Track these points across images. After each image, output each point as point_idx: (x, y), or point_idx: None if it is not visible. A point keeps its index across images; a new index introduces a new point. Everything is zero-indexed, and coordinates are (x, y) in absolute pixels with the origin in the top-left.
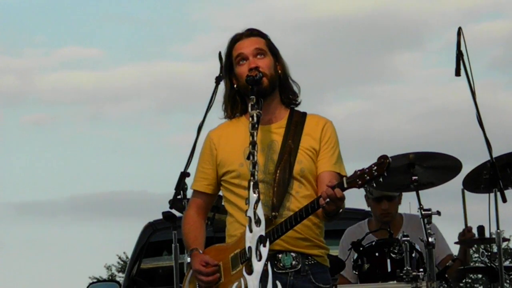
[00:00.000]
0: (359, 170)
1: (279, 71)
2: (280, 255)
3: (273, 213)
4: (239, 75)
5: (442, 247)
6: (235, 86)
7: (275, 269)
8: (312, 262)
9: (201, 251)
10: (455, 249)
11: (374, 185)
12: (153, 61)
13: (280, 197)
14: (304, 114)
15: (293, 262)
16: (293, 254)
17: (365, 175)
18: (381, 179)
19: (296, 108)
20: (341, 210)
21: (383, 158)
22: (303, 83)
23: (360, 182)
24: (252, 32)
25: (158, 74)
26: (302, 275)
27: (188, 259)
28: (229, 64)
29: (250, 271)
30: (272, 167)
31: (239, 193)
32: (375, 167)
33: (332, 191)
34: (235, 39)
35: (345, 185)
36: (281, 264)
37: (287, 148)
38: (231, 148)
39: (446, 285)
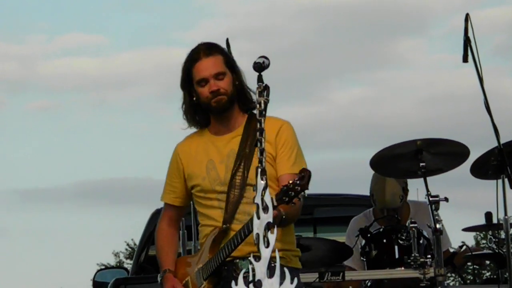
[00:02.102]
0: (285, 186)
1: (237, 82)
2: (238, 261)
3: (224, 226)
4: (200, 94)
5: (443, 240)
6: (194, 99)
7: (234, 275)
8: (273, 265)
9: (172, 269)
10: (464, 236)
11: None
12: (157, 47)
13: (234, 206)
14: (260, 118)
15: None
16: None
17: (290, 192)
18: (304, 193)
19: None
20: (285, 219)
21: (303, 172)
22: (307, 69)
23: (287, 199)
24: (210, 51)
25: (162, 60)
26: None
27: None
28: (188, 79)
29: (257, 258)
30: (229, 177)
31: (206, 204)
32: (298, 182)
33: None
34: (195, 58)
35: (275, 203)
36: (240, 270)
37: (244, 156)
38: (195, 163)
39: (453, 271)
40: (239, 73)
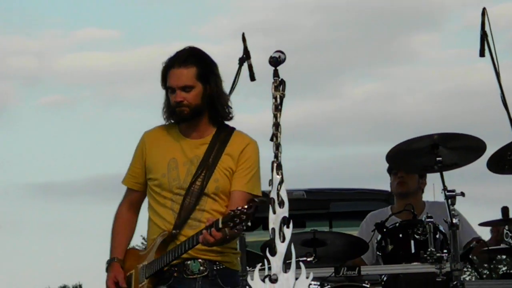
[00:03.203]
0: (232, 211)
1: (209, 92)
2: (188, 262)
3: (174, 231)
4: (169, 98)
5: (468, 231)
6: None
7: (184, 275)
8: (220, 267)
9: (120, 259)
10: (481, 231)
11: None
12: (171, 42)
13: (187, 213)
14: (231, 132)
15: (201, 268)
16: (201, 261)
17: (235, 218)
18: (249, 223)
19: (230, 123)
20: (227, 239)
21: (251, 202)
22: (321, 64)
23: (231, 224)
24: (185, 62)
25: None
26: (210, 279)
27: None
28: (164, 81)
29: (273, 253)
30: (188, 182)
31: (160, 200)
32: (244, 211)
33: (208, 235)
34: (169, 65)
35: (220, 226)
36: (190, 271)
37: (206, 165)
38: (157, 157)
39: (470, 266)
40: (215, 85)
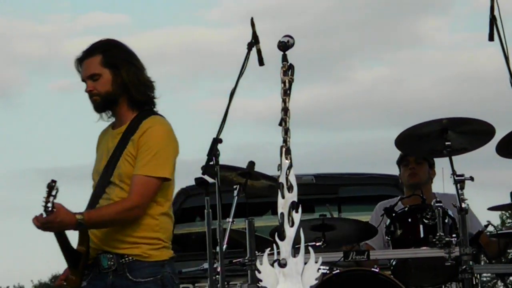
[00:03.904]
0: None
1: (121, 79)
2: (100, 257)
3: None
4: None
5: (475, 225)
6: None
7: (99, 270)
8: (129, 260)
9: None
10: (489, 215)
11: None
12: (179, 26)
13: (95, 200)
14: (144, 118)
15: (109, 263)
16: (109, 255)
17: (43, 202)
18: (51, 208)
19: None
20: (82, 224)
21: (52, 181)
22: (328, 50)
23: (50, 209)
24: (90, 53)
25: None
26: (120, 274)
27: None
28: None
29: (282, 237)
30: (101, 170)
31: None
32: (46, 193)
33: (34, 219)
34: (80, 59)
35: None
36: (101, 265)
37: (115, 154)
38: (97, 152)
39: (479, 251)
40: (127, 71)
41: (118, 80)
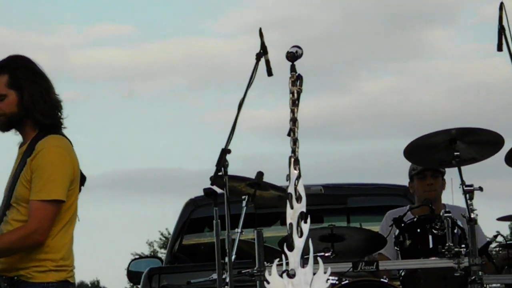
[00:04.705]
0: None
1: (27, 101)
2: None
3: None
4: None
5: (481, 238)
6: None
7: None
8: (17, 280)
9: None
10: (499, 226)
11: None
12: (186, 37)
13: None
14: (39, 139)
15: (4, 284)
16: (4, 277)
17: None
18: None
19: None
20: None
21: None
22: (336, 59)
23: None
24: None
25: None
26: None
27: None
28: None
29: (291, 248)
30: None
31: None
32: None
33: None
34: None
35: None
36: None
37: (15, 175)
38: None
39: (488, 261)
40: (29, 93)
41: (23, 101)
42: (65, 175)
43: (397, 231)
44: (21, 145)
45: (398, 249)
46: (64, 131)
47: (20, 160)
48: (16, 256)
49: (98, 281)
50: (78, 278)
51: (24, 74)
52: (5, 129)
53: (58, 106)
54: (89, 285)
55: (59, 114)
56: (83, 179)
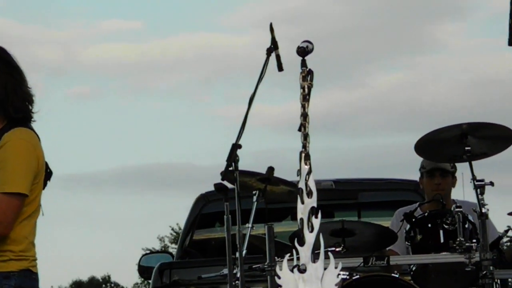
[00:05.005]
0: None
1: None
2: None
3: None
4: None
5: (493, 233)
6: None
7: None
8: None
9: None
10: (510, 221)
11: None
12: (196, 33)
13: None
14: (6, 131)
15: None
16: None
17: None
18: None
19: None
20: None
21: None
22: (345, 54)
23: None
24: None
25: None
26: None
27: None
28: None
29: (302, 243)
30: None
31: None
32: None
33: None
34: None
35: None
36: None
37: None
38: None
39: (499, 256)
40: (4, 85)
41: None
42: (30, 169)
43: (408, 226)
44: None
45: (409, 244)
46: (76, 126)
47: None
48: None
49: (109, 276)
50: (89, 273)
51: None
52: None
53: (30, 99)
54: (100, 280)
55: (30, 107)
56: (49, 174)
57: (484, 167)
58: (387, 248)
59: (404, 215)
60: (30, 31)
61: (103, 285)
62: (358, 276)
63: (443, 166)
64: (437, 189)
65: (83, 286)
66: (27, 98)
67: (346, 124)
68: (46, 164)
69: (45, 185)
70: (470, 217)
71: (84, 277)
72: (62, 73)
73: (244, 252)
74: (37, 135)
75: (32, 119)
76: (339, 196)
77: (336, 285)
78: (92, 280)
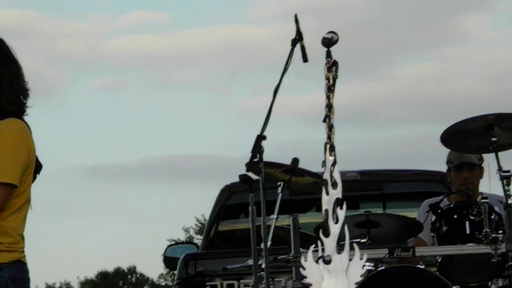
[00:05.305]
0: None
1: None
2: None
3: None
4: None
5: None
6: None
7: None
8: None
9: None
10: None
11: None
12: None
13: None
14: None
15: None
16: None
17: None
18: None
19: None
20: None
21: None
22: (371, 46)
23: None
24: None
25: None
26: None
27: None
28: None
29: (327, 234)
30: None
31: None
32: None
33: None
34: None
35: None
36: None
37: None
38: None
39: None
40: (2, 78)
41: None
42: (20, 160)
43: (434, 217)
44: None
45: (434, 235)
46: (100, 117)
47: None
48: None
49: (134, 267)
50: (114, 264)
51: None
52: None
53: (25, 94)
54: (126, 270)
55: (25, 102)
56: (39, 167)
57: (510, 158)
58: (414, 238)
59: (429, 206)
60: (54, 24)
61: (129, 276)
62: (383, 267)
63: (470, 159)
64: (466, 182)
65: (109, 277)
66: (22, 92)
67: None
68: (36, 157)
69: (34, 178)
70: (496, 208)
71: (110, 268)
72: (87, 65)
73: (269, 243)
74: (29, 127)
75: (25, 113)
76: (364, 187)
77: (361, 276)
78: (118, 270)
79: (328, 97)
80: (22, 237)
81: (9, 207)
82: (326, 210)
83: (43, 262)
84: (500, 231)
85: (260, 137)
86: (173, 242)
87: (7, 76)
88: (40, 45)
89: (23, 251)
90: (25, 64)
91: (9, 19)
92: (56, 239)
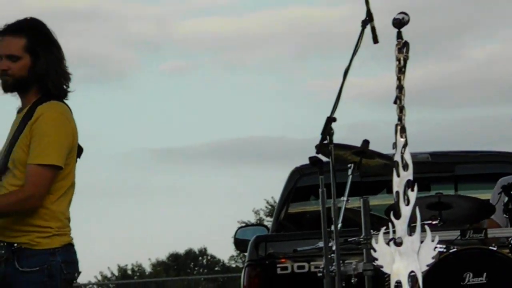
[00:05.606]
0: None
1: (37, 67)
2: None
3: None
4: None
5: None
6: None
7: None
8: (18, 248)
9: None
10: None
11: None
12: (288, 6)
13: None
14: (40, 103)
15: (2, 252)
16: (1, 244)
17: None
18: None
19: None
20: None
21: None
22: (441, 26)
23: None
24: (17, 31)
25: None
26: (10, 262)
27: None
28: None
29: (398, 216)
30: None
31: None
32: None
33: None
34: (2, 32)
35: None
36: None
37: (13, 139)
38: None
39: None
40: (44, 61)
41: (36, 68)
42: (65, 142)
43: (506, 198)
44: (19, 110)
45: (507, 216)
46: (171, 100)
47: (19, 124)
48: (10, 223)
49: (205, 249)
50: (186, 246)
51: (42, 40)
52: (9, 90)
53: (67, 78)
54: (197, 252)
55: (67, 86)
56: (80, 150)
57: None
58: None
59: (502, 188)
60: (125, 7)
61: (200, 258)
62: (455, 249)
63: None
64: None
65: (180, 259)
66: (64, 76)
67: (442, 97)
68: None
69: (75, 161)
70: None
71: (181, 250)
72: (156, 48)
73: (339, 225)
74: (70, 109)
75: (67, 98)
76: (436, 169)
77: (432, 258)
78: (189, 252)
79: (398, 79)
80: (69, 220)
81: (56, 191)
82: (397, 192)
83: (115, 245)
84: None
85: (330, 119)
86: (244, 224)
87: (52, 60)
88: (111, 28)
89: (70, 235)
90: (96, 47)
91: (81, 2)
92: (128, 222)
